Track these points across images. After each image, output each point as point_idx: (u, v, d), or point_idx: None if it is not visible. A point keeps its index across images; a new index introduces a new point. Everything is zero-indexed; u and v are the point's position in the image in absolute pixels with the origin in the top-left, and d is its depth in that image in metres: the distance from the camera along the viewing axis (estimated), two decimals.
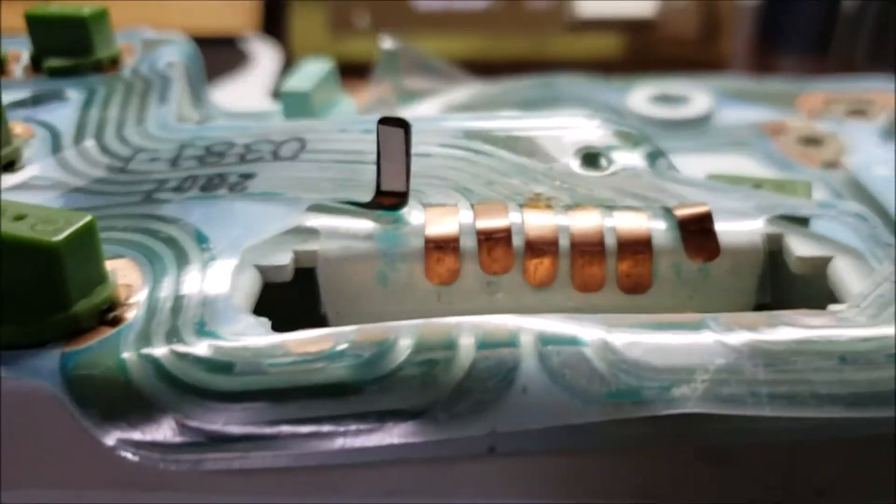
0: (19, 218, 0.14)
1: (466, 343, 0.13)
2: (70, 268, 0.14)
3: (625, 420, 0.13)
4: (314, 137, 0.20)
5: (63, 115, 0.22)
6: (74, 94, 0.22)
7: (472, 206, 0.17)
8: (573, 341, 0.13)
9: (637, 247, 0.17)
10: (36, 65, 0.24)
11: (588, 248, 0.17)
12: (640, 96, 0.27)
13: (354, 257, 0.17)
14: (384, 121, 0.16)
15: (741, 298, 0.17)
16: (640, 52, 0.47)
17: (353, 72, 0.46)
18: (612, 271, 0.17)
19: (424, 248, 0.17)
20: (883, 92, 0.27)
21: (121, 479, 0.14)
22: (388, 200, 0.17)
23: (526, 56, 0.46)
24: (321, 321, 0.17)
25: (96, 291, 0.15)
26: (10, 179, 0.19)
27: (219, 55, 0.48)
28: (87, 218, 0.14)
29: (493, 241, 0.17)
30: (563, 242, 0.17)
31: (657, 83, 0.28)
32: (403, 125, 0.16)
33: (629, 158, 0.19)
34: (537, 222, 0.17)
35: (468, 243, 0.17)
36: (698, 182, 0.18)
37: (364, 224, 0.17)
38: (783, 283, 0.17)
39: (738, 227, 0.17)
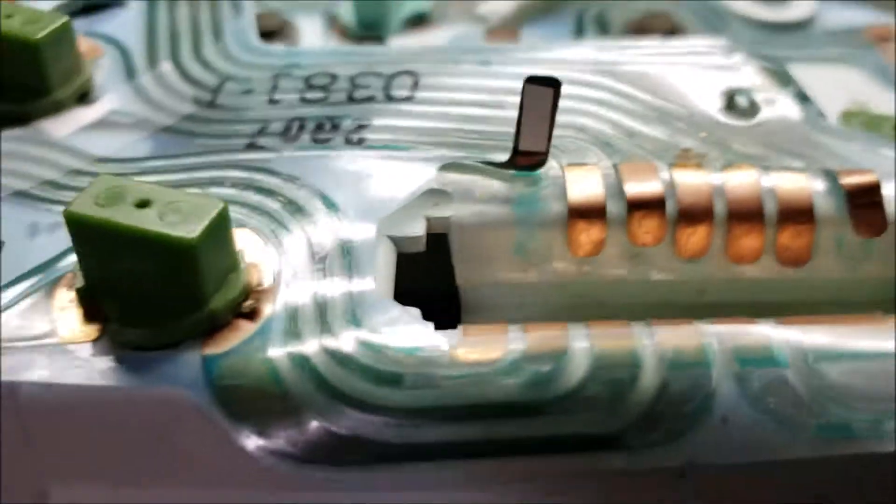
0: (143, 204, 0.13)
1: (652, 361, 0.12)
2: (205, 263, 0.13)
3: (836, 457, 0.12)
4: (426, 70, 0.18)
5: (126, 24, 0.19)
6: None
7: (616, 166, 0.16)
8: (772, 361, 0.12)
9: (799, 216, 0.15)
10: None
11: (746, 217, 0.15)
12: None
13: (490, 224, 0.15)
14: (532, 80, 0.15)
15: None
16: None
17: None
18: (770, 241, 0.15)
19: (567, 217, 0.15)
20: None
21: (261, 482, 0.13)
22: (526, 160, 0.16)
23: None
24: (451, 289, 0.16)
25: (230, 282, 0.14)
26: (87, 114, 0.17)
27: None
28: (220, 206, 0.13)
29: (644, 208, 0.15)
30: (718, 209, 0.15)
31: None
32: (553, 84, 0.15)
33: (778, 104, 0.17)
34: (690, 186, 0.15)
35: (614, 210, 0.15)
36: (848, 134, 0.17)
37: (500, 187, 0.16)
38: None
39: None
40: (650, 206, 0.15)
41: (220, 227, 0.13)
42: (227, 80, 0.18)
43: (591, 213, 0.15)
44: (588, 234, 0.15)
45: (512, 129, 0.16)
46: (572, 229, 0.15)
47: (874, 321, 0.14)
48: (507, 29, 0.23)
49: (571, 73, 0.17)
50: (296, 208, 0.15)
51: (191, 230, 0.13)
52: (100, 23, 0.19)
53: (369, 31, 0.24)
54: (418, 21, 0.24)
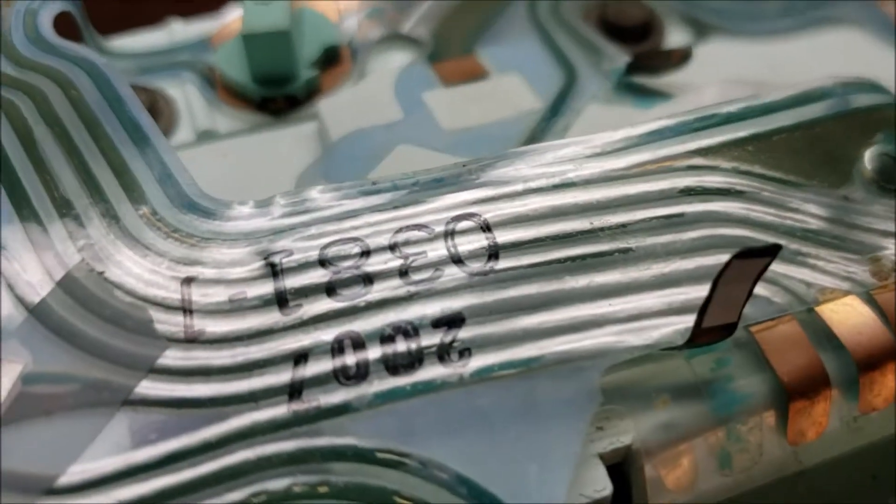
0: None
1: None
2: None
3: None
4: (485, 206, 0.12)
5: None
6: None
7: (812, 310, 0.12)
8: None
9: None
10: None
11: None
12: None
13: (683, 437, 0.11)
14: (744, 254, 0.10)
15: None
16: None
17: None
18: None
19: (787, 400, 0.11)
20: None
21: None
22: (708, 336, 0.11)
23: None
24: None
25: None
26: None
27: None
28: None
29: (875, 367, 0.11)
30: None
31: None
32: (773, 253, 0.10)
33: None
34: None
35: (837, 374, 0.11)
36: None
37: (682, 380, 0.11)
38: None
39: None
40: (882, 360, 0.11)
41: None
42: (190, 279, 0.11)
43: (811, 387, 0.11)
44: (811, 416, 0.11)
45: (659, 296, 0.11)
46: (794, 414, 0.11)
47: None
48: (462, 60, 0.18)
49: (673, 179, 0.13)
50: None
51: None
52: None
53: (273, 89, 0.17)
54: (329, 59, 0.18)
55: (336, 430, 0.10)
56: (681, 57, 0.16)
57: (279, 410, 0.10)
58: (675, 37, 0.19)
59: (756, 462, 0.11)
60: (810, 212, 0.12)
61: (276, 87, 0.17)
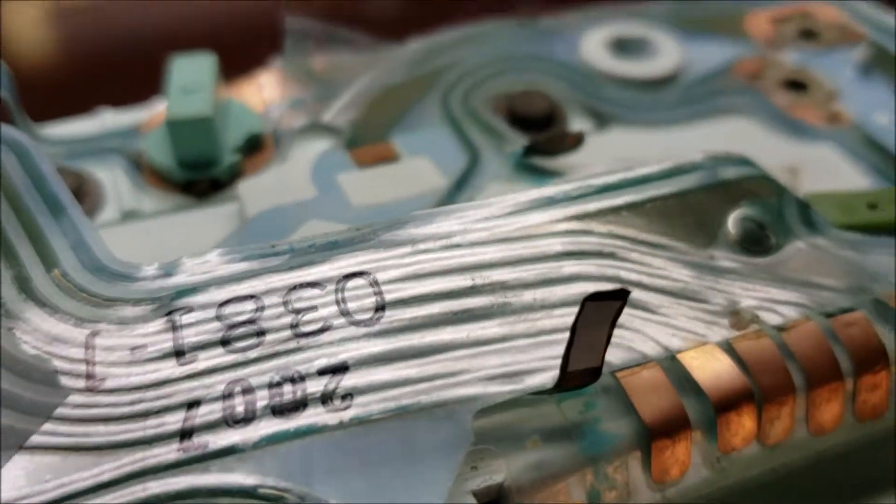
0: None
1: None
2: None
3: None
4: (377, 265, 0.13)
5: None
6: None
7: (674, 357, 0.13)
8: None
9: (874, 364, 0.13)
10: None
11: (825, 381, 0.13)
12: (596, 44, 0.22)
13: (554, 476, 0.12)
14: (597, 297, 0.11)
15: None
16: None
17: None
18: (849, 400, 0.13)
19: (649, 440, 0.12)
20: (818, 3, 0.25)
21: None
22: (574, 381, 0.12)
23: None
24: None
25: None
26: None
27: None
28: None
29: (732, 408, 0.12)
30: (797, 380, 0.13)
31: (601, 23, 0.23)
32: (622, 297, 0.11)
33: (788, 224, 0.15)
34: (763, 363, 0.13)
35: (697, 416, 0.12)
36: (867, 242, 0.15)
37: (552, 422, 0.12)
38: None
39: None
40: (737, 402, 0.12)
41: None
42: (94, 334, 0.12)
43: (673, 428, 0.12)
44: (673, 455, 0.12)
45: (537, 341, 0.12)
46: (657, 454, 0.12)
47: None
48: (376, 147, 0.19)
49: (551, 243, 0.14)
50: None
51: None
52: None
53: (196, 173, 0.18)
54: (252, 146, 0.19)
55: (223, 469, 0.11)
56: (575, 141, 0.18)
57: (171, 452, 0.11)
58: (576, 125, 0.20)
59: (625, 500, 0.12)
60: (677, 270, 0.14)
61: (200, 170, 0.18)
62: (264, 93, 0.20)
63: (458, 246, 0.13)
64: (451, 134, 0.19)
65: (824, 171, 0.19)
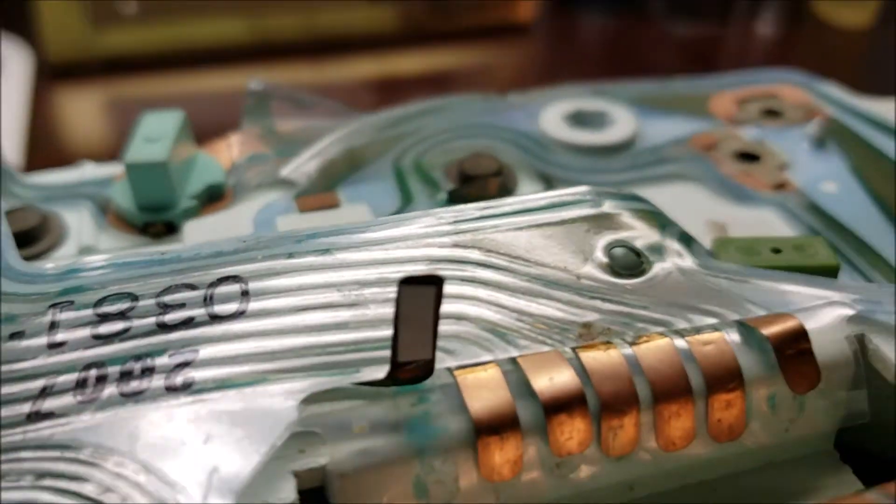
0: None
1: None
2: None
3: None
4: (253, 272, 0.14)
5: None
6: None
7: (515, 360, 0.13)
8: None
9: (728, 382, 0.13)
10: None
11: (673, 396, 0.13)
12: (554, 116, 0.23)
13: (378, 463, 0.12)
14: (410, 281, 0.11)
15: (831, 420, 0.14)
16: (416, 21, 0.43)
17: (123, 67, 0.38)
18: (701, 417, 0.13)
19: (476, 436, 0.12)
20: (785, 84, 0.25)
21: None
22: (408, 372, 0.12)
23: (299, 33, 0.41)
24: None
25: None
26: None
27: None
28: None
29: (564, 410, 0.12)
30: (643, 393, 0.13)
31: (564, 98, 0.24)
32: (436, 282, 0.12)
33: (665, 251, 0.15)
34: (605, 372, 0.13)
35: (528, 417, 0.12)
36: (741, 271, 0.15)
37: (382, 412, 0.12)
38: (877, 390, 0.14)
39: (820, 334, 0.14)
40: (569, 405, 0.12)
41: None
42: None
43: (502, 425, 0.12)
44: (503, 453, 0.12)
45: (379, 333, 0.13)
46: (483, 450, 0.12)
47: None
48: (321, 196, 0.20)
49: (432, 251, 0.14)
50: (117, 499, 0.11)
51: None
52: None
53: (154, 216, 0.20)
54: (213, 196, 0.21)
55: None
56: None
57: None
58: (525, 188, 0.21)
59: (454, 495, 0.12)
60: (538, 287, 0.14)
61: (156, 213, 0.20)
62: (233, 150, 0.22)
63: (328, 251, 0.14)
64: (393, 186, 0.20)
65: (755, 228, 0.19)
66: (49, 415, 0.12)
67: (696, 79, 0.26)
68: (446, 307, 0.13)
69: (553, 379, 0.13)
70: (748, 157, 0.22)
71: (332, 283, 0.14)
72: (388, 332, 0.12)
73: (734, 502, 0.14)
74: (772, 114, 0.24)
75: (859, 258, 0.18)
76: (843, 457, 0.14)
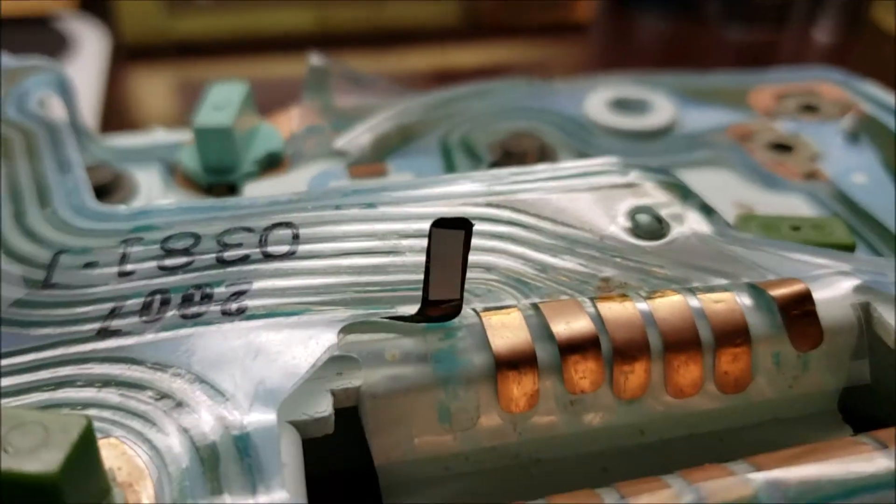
0: None
1: None
2: (71, 497, 0.10)
3: None
4: (304, 219, 0.16)
5: None
6: None
7: (536, 306, 0.14)
8: None
9: (735, 338, 0.14)
10: None
11: (683, 347, 0.14)
12: (598, 102, 0.24)
13: (407, 389, 0.13)
14: (440, 223, 0.13)
15: (834, 381, 0.15)
16: (479, 16, 0.44)
17: (195, 51, 0.40)
18: (709, 369, 0.14)
19: (496, 370, 0.13)
20: (824, 82, 0.26)
21: None
22: (438, 310, 0.14)
23: (364, 24, 0.43)
24: (369, 467, 0.14)
25: None
26: None
27: (31, 39, 0.41)
28: (83, 424, 0.10)
29: (578, 351, 0.14)
30: (654, 342, 0.14)
31: (608, 85, 0.25)
32: (464, 225, 0.13)
33: (685, 219, 0.16)
34: (620, 320, 0.14)
35: (546, 356, 0.14)
36: (757, 241, 0.16)
37: (413, 344, 0.13)
38: (880, 357, 0.15)
39: (827, 301, 0.15)
40: (584, 347, 0.14)
41: (86, 450, 0.10)
42: (61, 252, 0.15)
43: (520, 362, 0.13)
44: (520, 387, 0.13)
45: (413, 277, 0.14)
46: (503, 383, 0.13)
47: (848, 447, 0.12)
48: (372, 165, 0.22)
49: (467, 209, 0.16)
50: (172, 403, 0.12)
51: (50, 461, 0.10)
52: None
53: (218, 177, 0.21)
54: (272, 162, 0.22)
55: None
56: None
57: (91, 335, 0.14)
58: None
59: (474, 422, 0.13)
60: (571, 243, 0.15)
61: (220, 175, 0.21)
62: (293, 122, 0.24)
63: (371, 205, 0.16)
64: (439, 159, 0.22)
65: (781, 212, 0.20)
66: (116, 332, 0.14)
67: (737, 73, 0.27)
68: (477, 258, 0.15)
69: (570, 324, 0.14)
70: (782, 147, 0.23)
71: (373, 232, 0.15)
72: (420, 276, 0.14)
73: (739, 453, 0.15)
74: (809, 109, 0.25)
75: (883, 245, 0.19)
76: (846, 420, 0.15)
